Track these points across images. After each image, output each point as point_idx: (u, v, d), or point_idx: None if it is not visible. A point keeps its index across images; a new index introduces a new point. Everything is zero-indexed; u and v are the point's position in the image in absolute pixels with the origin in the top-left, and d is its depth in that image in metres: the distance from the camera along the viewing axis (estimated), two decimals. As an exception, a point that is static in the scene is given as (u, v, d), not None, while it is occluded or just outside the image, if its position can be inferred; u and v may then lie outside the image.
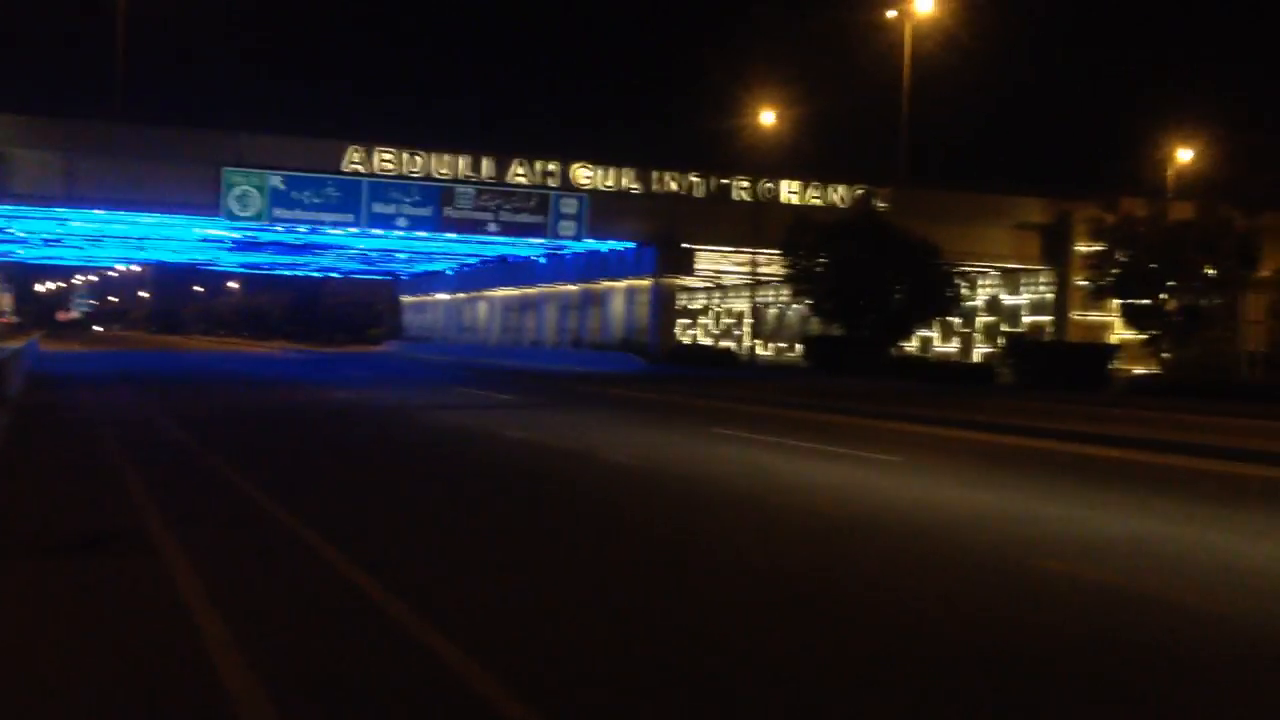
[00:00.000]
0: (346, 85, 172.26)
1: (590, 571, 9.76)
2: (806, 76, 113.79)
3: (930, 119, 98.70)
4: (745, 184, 58.30)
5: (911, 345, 63.35)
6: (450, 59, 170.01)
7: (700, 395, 35.00)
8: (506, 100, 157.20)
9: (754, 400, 32.91)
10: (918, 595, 9.02)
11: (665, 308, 62.75)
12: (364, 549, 10.18)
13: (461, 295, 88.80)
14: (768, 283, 73.62)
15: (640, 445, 19.88)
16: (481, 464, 17.18)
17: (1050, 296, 64.76)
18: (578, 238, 57.33)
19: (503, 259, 75.05)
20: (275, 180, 51.65)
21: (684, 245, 60.14)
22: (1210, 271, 46.91)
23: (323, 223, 54.07)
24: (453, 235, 58.04)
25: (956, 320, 66.10)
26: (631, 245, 61.13)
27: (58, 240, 69.51)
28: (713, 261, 67.01)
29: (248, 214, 51.90)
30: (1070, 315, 61.81)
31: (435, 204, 54.09)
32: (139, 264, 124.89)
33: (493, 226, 55.44)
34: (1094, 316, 60.35)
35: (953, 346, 69.24)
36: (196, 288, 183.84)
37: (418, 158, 53.95)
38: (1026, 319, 66.35)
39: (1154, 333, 48.25)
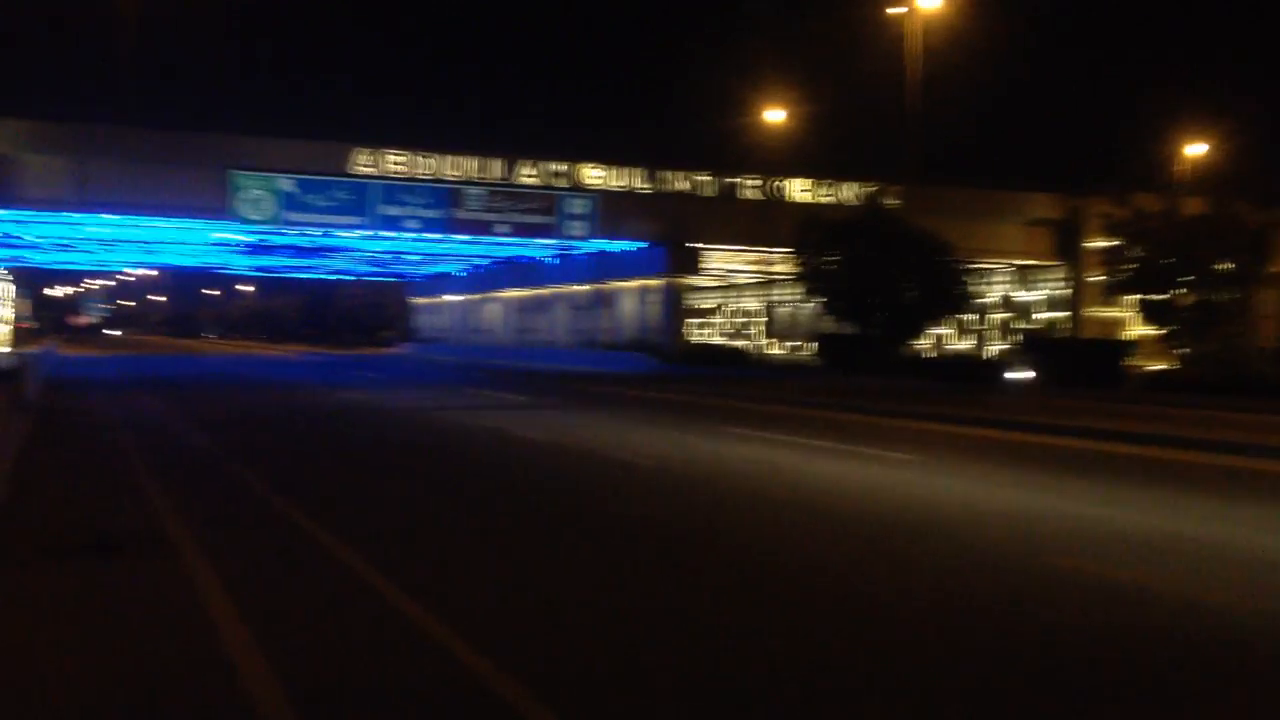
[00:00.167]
0: (352, 88, 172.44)
1: (608, 573, 9.74)
2: (815, 74, 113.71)
3: (939, 115, 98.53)
4: (755, 183, 58.24)
5: (925, 343, 63.24)
6: (457, 60, 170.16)
7: (713, 395, 34.97)
8: (514, 101, 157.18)
9: (767, 399, 32.87)
10: (926, 592, 8.98)
11: (676, 307, 62.74)
12: (379, 550, 10.19)
13: (473, 297, 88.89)
14: (779, 281, 73.56)
15: (654, 445, 19.86)
16: (494, 465, 17.18)
17: (1064, 293, 64.60)
18: (587, 238, 57.33)
19: (513, 260, 75.09)
20: (286, 183, 51.75)
21: (694, 245, 60.13)
22: (1223, 267, 46.71)
23: (333, 225, 54.16)
24: (463, 237, 58.09)
25: (970, 317, 65.95)
26: (642, 245, 61.12)
27: (70, 245, 69.71)
28: (723, 260, 66.95)
29: (259, 217, 52.01)
30: (1084, 311, 61.64)
31: (445, 206, 54.14)
32: (152, 268, 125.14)
33: (502, 228, 55.47)
34: (1108, 312, 60.17)
35: (967, 344, 69.11)
36: (210, 291, 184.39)
37: (427, 160, 54.00)
38: (1040, 315, 66.19)
39: (1169, 328, 48.07)
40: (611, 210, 56.47)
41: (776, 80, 58.80)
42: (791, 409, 29.60)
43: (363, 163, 53.09)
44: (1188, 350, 47.22)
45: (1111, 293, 52.18)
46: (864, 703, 6.44)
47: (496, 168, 54.97)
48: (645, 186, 57.44)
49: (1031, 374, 42.11)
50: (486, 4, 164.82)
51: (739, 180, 58.47)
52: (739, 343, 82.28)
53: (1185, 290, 47.19)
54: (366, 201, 52.96)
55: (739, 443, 20.67)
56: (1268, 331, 51.51)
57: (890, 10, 59.77)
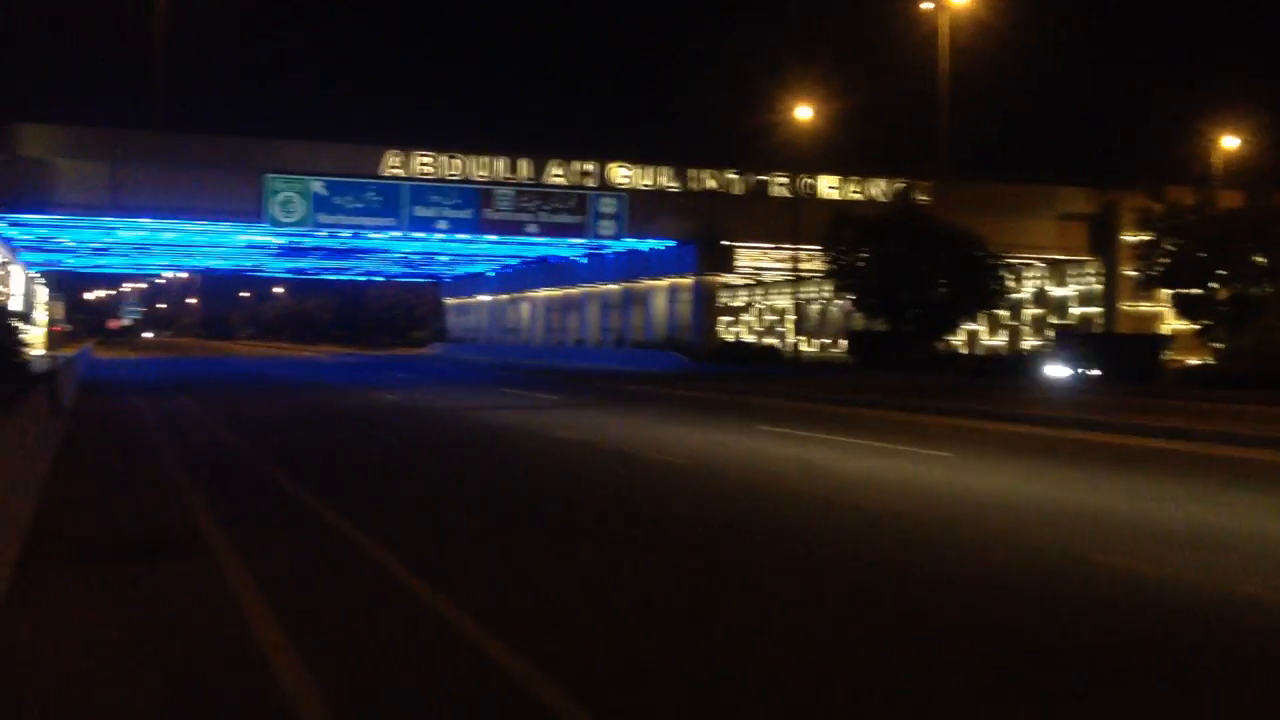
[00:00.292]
0: (383, 91, 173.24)
1: (644, 572, 9.71)
2: (844, 71, 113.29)
3: (970, 111, 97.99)
4: (784, 180, 58.08)
5: (958, 339, 62.91)
6: (486, 62, 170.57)
7: (745, 393, 34.89)
8: (542, 101, 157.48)
9: (799, 397, 32.76)
10: (957, 587, 8.91)
11: (707, 305, 62.66)
12: (413, 549, 10.19)
13: (503, 296, 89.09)
14: (809, 279, 73.33)
15: (687, 444, 19.82)
16: (529, 464, 17.18)
17: (1098, 288, 64.10)
18: (617, 237, 57.34)
19: (543, 260, 75.21)
20: (317, 186, 52.05)
21: (724, 242, 60.06)
22: (1260, 260, 46.22)
23: (364, 227, 54.44)
24: (493, 237, 58.26)
25: (1002, 313, 65.55)
26: (671, 243, 61.09)
27: (106, 249, 70.33)
28: (753, 258, 66.81)
29: (291, 220, 52.31)
30: (1119, 306, 61.15)
31: (475, 206, 54.29)
32: (186, 271, 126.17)
33: (532, 227, 55.57)
34: (1144, 307, 59.68)
35: (1000, 340, 68.71)
36: (243, 293, 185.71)
37: (456, 161, 54.18)
38: (1075, 311, 65.72)
39: (1205, 322, 47.62)
40: (641, 209, 56.46)
41: (805, 77, 58.56)
42: (823, 406, 29.49)
43: (394, 164, 53.31)
44: (1223, 345, 46.76)
45: (1146, 287, 51.71)
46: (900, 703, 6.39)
47: (526, 168, 55.07)
48: (674, 185, 57.40)
49: (1068, 370, 41.83)
50: (516, 5, 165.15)
51: (768, 178, 58.34)
52: (770, 340, 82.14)
53: (1221, 284, 46.74)
54: (397, 203, 53.19)
55: (771, 440, 20.59)
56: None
57: (923, 4, 59.52)
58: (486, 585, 9.05)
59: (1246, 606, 8.43)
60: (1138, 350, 43.47)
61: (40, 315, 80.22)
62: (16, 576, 8.83)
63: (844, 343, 66.56)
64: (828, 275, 57.36)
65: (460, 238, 58.84)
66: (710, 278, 62.02)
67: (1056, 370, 42.76)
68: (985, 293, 52.17)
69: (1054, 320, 65.97)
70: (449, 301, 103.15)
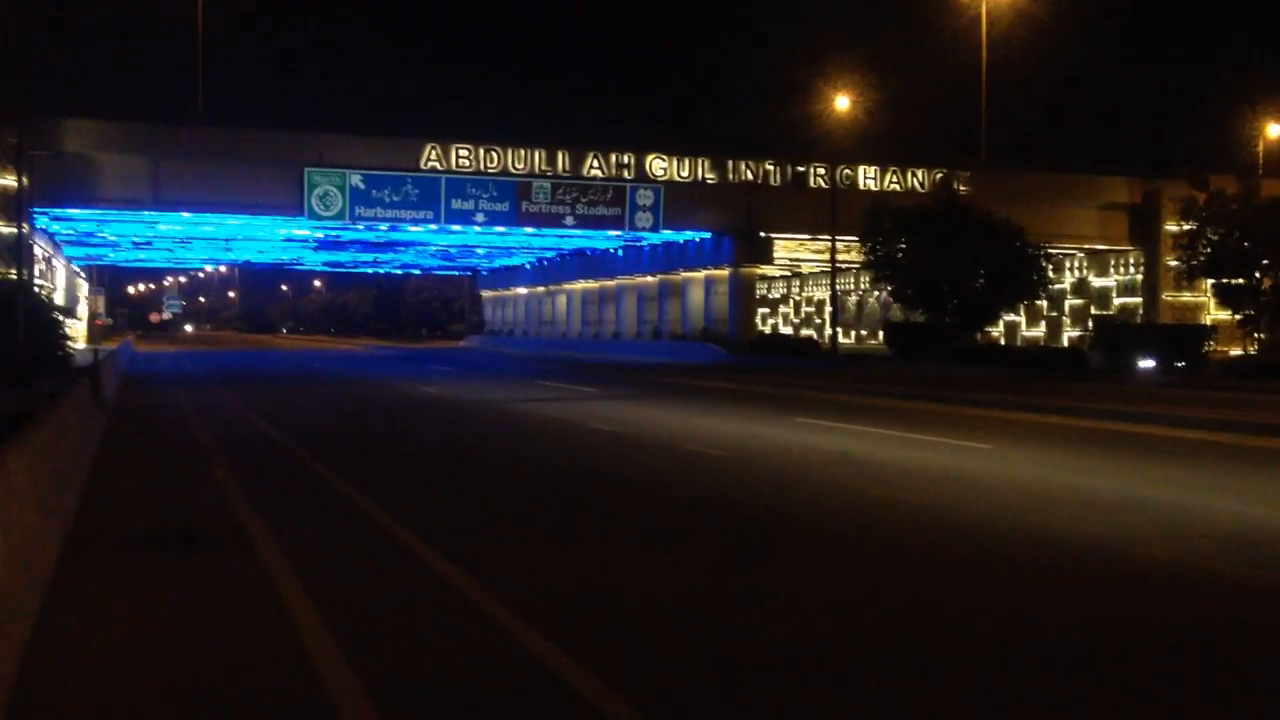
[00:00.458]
0: (423, 84, 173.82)
1: (690, 567, 9.68)
2: (882, 61, 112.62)
3: (1010, 100, 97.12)
4: (822, 171, 57.82)
5: (997, 330, 62.45)
6: (525, 55, 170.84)
7: (783, 385, 34.78)
8: (580, 94, 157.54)
9: (837, 389, 32.63)
10: (1001, 589, 8.82)
11: (745, 297, 62.50)
12: (455, 543, 10.22)
13: (541, 289, 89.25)
14: (847, 270, 73.01)
15: (725, 436, 19.77)
16: (567, 456, 17.18)
17: (1140, 278, 63.46)
18: (654, 229, 57.29)
19: (581, 252, 75.27)
20: (355, 179, 52.29)
21: (761, 234, 59.88)
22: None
23: (402, 220, 54.66)
24: (530, 229, 58.33)
25: (1043, 304, 65.03)
26: (708, 235, 60.96)
27: (147, 243, 70.99)
28: (790, 250, 66.55)
29: (330, 213, 52.59)
30: (1161, 296, 60.51)
31: (512, 199, 54.38)
32: (226, 265, 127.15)
33: (570, 220, 55.61)
34: (1185, 297, 59.03)
35: (1039, 331, 68.17)
36: (283, 287, 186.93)
37: (494, 153, 54.27)
38: (1116, 301, 65.10)
39: (1247, 313, 47.04)
40: (679, 201, 56.38)
41: (844, 68, 58.12)
42: (862, 398, 29.34)
43: (433, 157, 53.46)
44: (1264, 335, 46.20)
45: (1188, 277, 51.09)
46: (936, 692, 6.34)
47: (563, 160, 55.10)
48: (712, 176, 57.28)
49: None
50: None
51: (806, 169, 58.09)
52: (808, 332, 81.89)
53: (1263, 274, 46.14)
54: (434, 196, 53.35)
55: (810, 432, 20.50)
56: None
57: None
58: (521, 575, 9.05)
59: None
60: (1180, 341, 43.00)
61: (82, 309, 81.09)
62: (62, 566, 8.92)
63: (881, 335, 66.25)
64: (866, 266, 57.05)
65: (497, 230, 58.97)
66: (747, 269, 61.86)
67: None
68: (1025, 284, 51.72)
69: (1095, 311, 65.38)
70: (486, 294, 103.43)
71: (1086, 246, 64.07)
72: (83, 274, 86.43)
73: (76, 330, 64.90)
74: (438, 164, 53.56)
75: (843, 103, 56.96)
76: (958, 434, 19.85)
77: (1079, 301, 67.43)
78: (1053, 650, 7.13)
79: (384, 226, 57.90)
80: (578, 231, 58.52)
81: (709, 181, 57.30)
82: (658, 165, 56.30)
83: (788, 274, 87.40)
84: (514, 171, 54.50)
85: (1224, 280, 47.53)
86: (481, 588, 8.49)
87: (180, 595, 8.41)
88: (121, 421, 21.91)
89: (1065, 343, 63.49)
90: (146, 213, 54.50)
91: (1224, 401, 26.05)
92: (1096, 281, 66.81)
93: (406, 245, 73.12)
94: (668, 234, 60.22)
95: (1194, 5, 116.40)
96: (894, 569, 9.43)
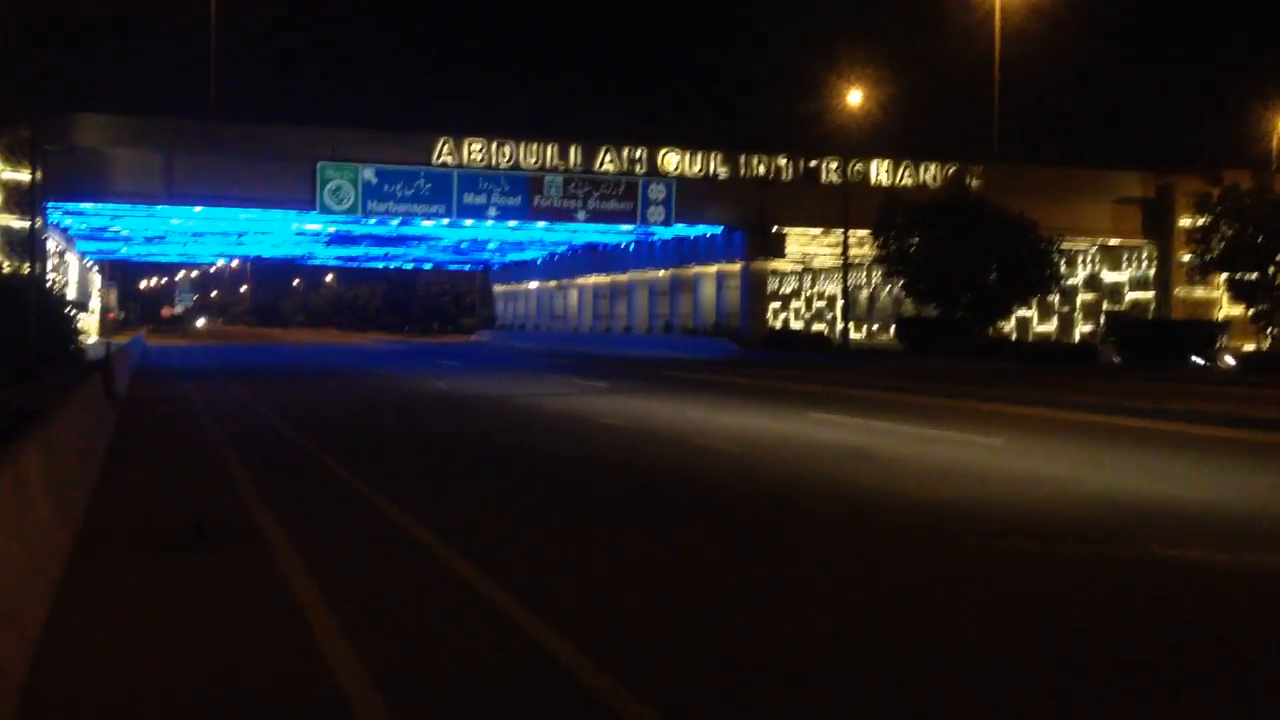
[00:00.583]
0: (436, 78, 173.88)
1: (699, 567, 9.66)
2: (894, 54, 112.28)
3: (1022, 94, 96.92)
4: (834, 165, 57.68)
5: (1008, 325, 62.24)
6: (537, 49, 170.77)
7: (795, 379, 34.72)
8: (592, 89, 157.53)
9: (850, 384, 32.56)
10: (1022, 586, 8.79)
11: (756, 292, 62.41)
12: (466, 538, 10.20)
13: (552, 283, 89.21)
14: (859, 265, 72.83)
15: (737, 431, 19.73)
16: (579, 451, 17.16)
17: (1152, 273, 63.22)
18: (666, 223, 57.22)
19: (592, 246, 75.22)
20: (367, 173, 52.32)
21: (774, 229, 59.78)
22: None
23: (414, 214, 54.69)
24: (542, 224, 58.31)
25: (1055, 299, 64.82)
26: (720, 230, 60.87)
27: (160, 237, 71.15)
28: (802, 244, 66.38)
29: (342, 207, 52.63)
30: (1174, 292, 60.28)
31: (524, 193, 54.36)
32: (238, 259, 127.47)
33: (581, 214, 55.57)
34: (1199, 293, 58.79)
35: (1051, 326, 67.96)
36: (294, 281, 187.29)
37: (506, 147, 54.24)
38: (1129, 296, 64.87)
39: (1261, 307, 46.85)
40: (691, 195, 56.31)
41: (856, 62, 57.86)
42: (874, 393, 29.28)
43: (445, 152, 53.46)
44: (1278, 330, 46.02)
45: (1202, 272, 50.85)
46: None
47: (576, 154, 55.02)
48: (724, 171, 57.18)
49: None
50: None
51: (819, 163, 57.97)
52: (819, 327, 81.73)
53: (1278, 269, 45.94)
54: (446, 190, 53.36)
55: (822, 428, 20.45)
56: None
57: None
58: (532, 570, 9.04)
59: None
60: (1192, 336, 42.81)
61: (94, 303, 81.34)
62: (74, 561, 8.92)
63: (893, 329, 66.07)
64: (878, 260, 56.89)
65: (509, 225, 58.95)
66: (759, 264, 61.76)
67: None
68: (1037, 278, 51.55)
69: (1107, 306, 65.16)
70: (498, 289, 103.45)
71: (1099, 241, 63.84)
72: (95, 268, 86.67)
73: (89, 324, 65.10)
74: (450, 159, 53.55)
75: (855, 97, 56.79)
76: (971, 429, 19.78)
77: (1091, 296, 67.20)
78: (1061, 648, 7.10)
79: (396, 221, 57.93)
80: (590, 226, 58.49)
81: (721, 176, 57.21)
82: (670, 160, 56.23)
83: (799, 269, 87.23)
84: (526, 166, 54.47)
85: (1237, 275, 47.33)
86: (492, 582, 8.48)
87: (192, 591, 8.41)
88: (133, 415, 21.94)
89: (1077, 338, 63.27)
90: (159, 207, 54.61)
91: (1241, 397, 25.94)
92: (1109, 276, 66.57)
93: (418, 240, 73.14)
94: (680, 228, 60.14)
95: (1208, 1, 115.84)
96: (926, 563, 9.39)
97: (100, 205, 53.85)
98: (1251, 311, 47.61)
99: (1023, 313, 64.04)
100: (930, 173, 58.31)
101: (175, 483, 13.67)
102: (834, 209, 54.96)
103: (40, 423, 10.62)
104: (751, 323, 61.15)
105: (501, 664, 6.71)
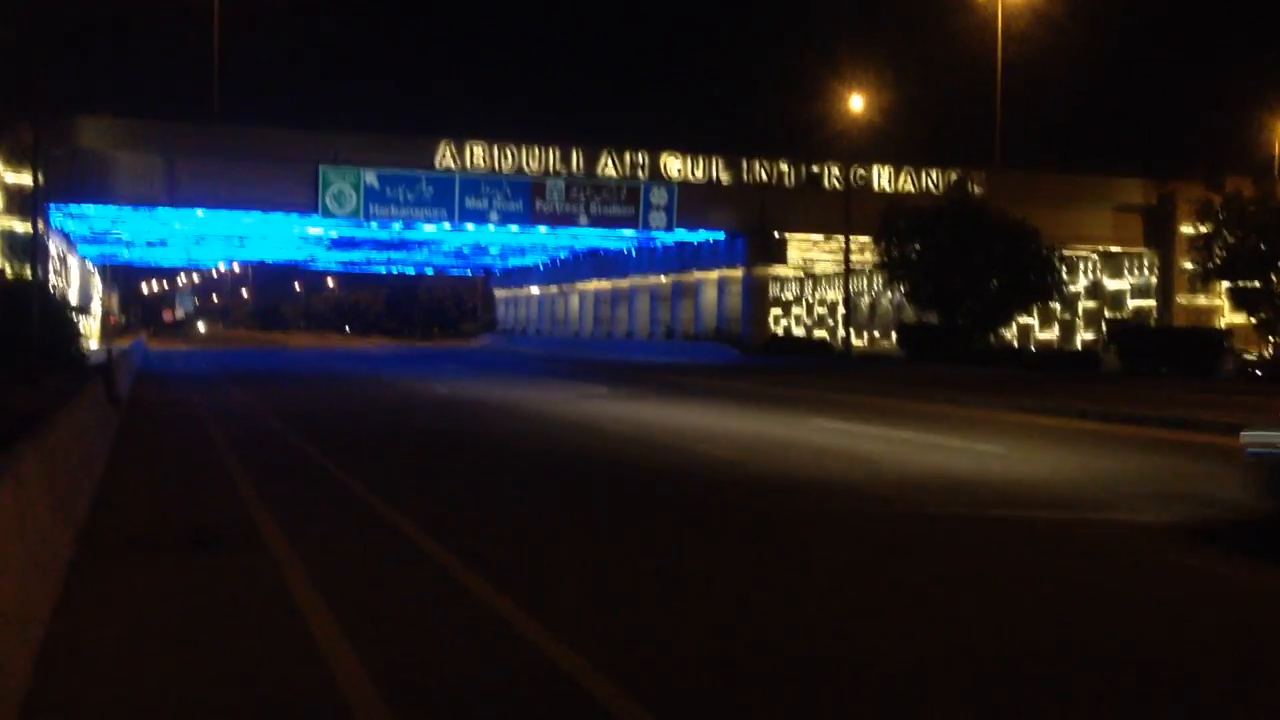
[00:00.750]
0: (438, 83, 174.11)
1: (701, 578, 9.65)
2: (897, 61, 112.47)
3: (1024, 101, 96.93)
4: (836, 171, 57.70)
5: (1010, 333, 62.25)
6: (539, 54, 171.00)
7: (797, 386, 34.70)
8: (594, 93, 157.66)
9: (851, 390, 32.54)
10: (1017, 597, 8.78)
11: (758, 298, 62.43)
12: (467, 542, 10.19)
13: (554, 288, 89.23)
14: (861, 271, 72.83)
15: (738, 437, 19.73)
16: (578, 455, 17.16)
17: (1154, 280, 63.22)
18: (668, 229, 57.26)
19: (594, 251, 75.26)
20: (370, 177, 52.36)
21: (775, 234, 59.80)
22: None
23: (416, 219, 54.75)
24: (544, 229, 58.35)
25: (1057, 306, 64.82)
26: (722, 235, 60.90)
27: (161, 241, 71.17)
28: (804, 250, 66.39)
29: (344, 211, 52.68)
30: (1176, 299, 60.28)
31: (526, 198, 54.41)
32: (240, 263, 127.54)
33: (583, 219, 55.62)
34: (1201, 301, 58.78)
35: (1052, 333, 67.95)
36: (296, 285, 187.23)
37: (508, 152, 54.30)
38: (1130, 304, 64.87)
39: (1263, 316, 46.83)
40: (692, 200, 56.36)
41: (858, 68, 57.82)
42: (876, 399, 29.26)
43: (447, 156, 53.51)
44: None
45: (1204, 280, 50.82)
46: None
47: (578, 158, 55.09)
48: (726, 176, 57.23)
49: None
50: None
51: (821, 169, 58.02)
52: (820, 333, 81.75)
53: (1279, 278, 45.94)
54: (448, 195, 53.42)
55: (823, 434, 20.43)
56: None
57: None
58: (531, 574, 9.03)
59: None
60: (1195, 344, 42.73)
61: (96, 307, 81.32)
62: (75, 565, 8.91)
63: (894, 336, 66.08)
64: (880, 267, 56.91)
65: (511, 229, 59.01)
66: (761, 270, 61.78)
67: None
68: (1039, 285, 51.53)
69: (1108, 314, 65.15)
70: (499, 293, 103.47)
71: (1101, 248, 63.84)
72: (96, 272, 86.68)
73: (90, 328, 65.09)
74: (452, 163, 53.60)
75: (857, 103, 56.82)
76: (971, 437, 19.77)
77: (1092, 304, 67.19)
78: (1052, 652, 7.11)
79: (398, 225, 57.99)
80: (591, 231, 58.55)
81: (723, 181, 57.24)
82: (672, 165, 56.27)
83: (801, 275, 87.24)
84: (528, 171, 54.52)
85: (1239, 283, 47.31)
86: (492, 586, 8.47)
87: (193, 594, 8.40)
88: (135, 419, 21.93)
89: (1079, 345, 63.25)
90: (161, 210, 54.63)
91: (1243, 406, 25.90)
92: (1110, 284, 66.57)
93: (420, 244, 73.21)
94: (681, 234, 60.18)
95: (1209, 7, 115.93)
96: (930, 573, 9.39)
97: (102, 208, 53.88)
98: (1254, 320, 47.57)
99: (1025, 320, 64.04)
100: (932, 179, 58.35)
101: (176, 486, 13.67)
102: (836, 215, 54.99)
103: (42, 427, 10.61)
104: (753, 328, 61.16)
105: (502, 668, 6.70)
